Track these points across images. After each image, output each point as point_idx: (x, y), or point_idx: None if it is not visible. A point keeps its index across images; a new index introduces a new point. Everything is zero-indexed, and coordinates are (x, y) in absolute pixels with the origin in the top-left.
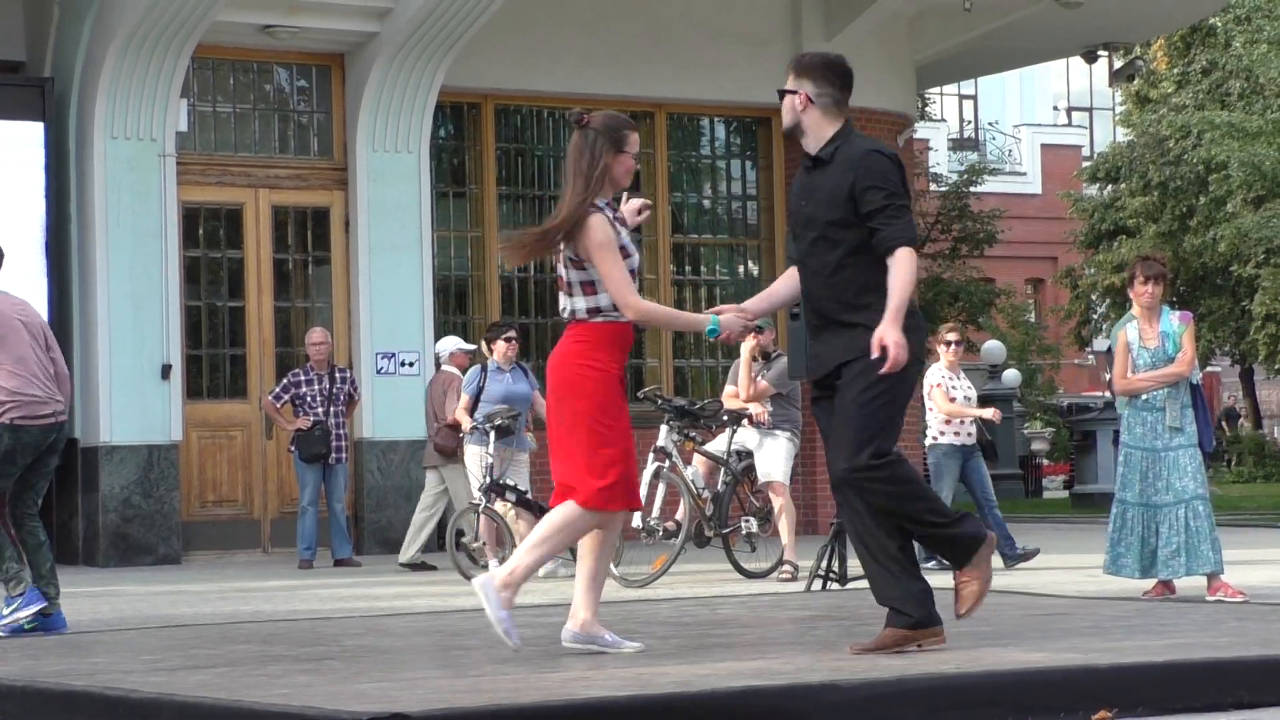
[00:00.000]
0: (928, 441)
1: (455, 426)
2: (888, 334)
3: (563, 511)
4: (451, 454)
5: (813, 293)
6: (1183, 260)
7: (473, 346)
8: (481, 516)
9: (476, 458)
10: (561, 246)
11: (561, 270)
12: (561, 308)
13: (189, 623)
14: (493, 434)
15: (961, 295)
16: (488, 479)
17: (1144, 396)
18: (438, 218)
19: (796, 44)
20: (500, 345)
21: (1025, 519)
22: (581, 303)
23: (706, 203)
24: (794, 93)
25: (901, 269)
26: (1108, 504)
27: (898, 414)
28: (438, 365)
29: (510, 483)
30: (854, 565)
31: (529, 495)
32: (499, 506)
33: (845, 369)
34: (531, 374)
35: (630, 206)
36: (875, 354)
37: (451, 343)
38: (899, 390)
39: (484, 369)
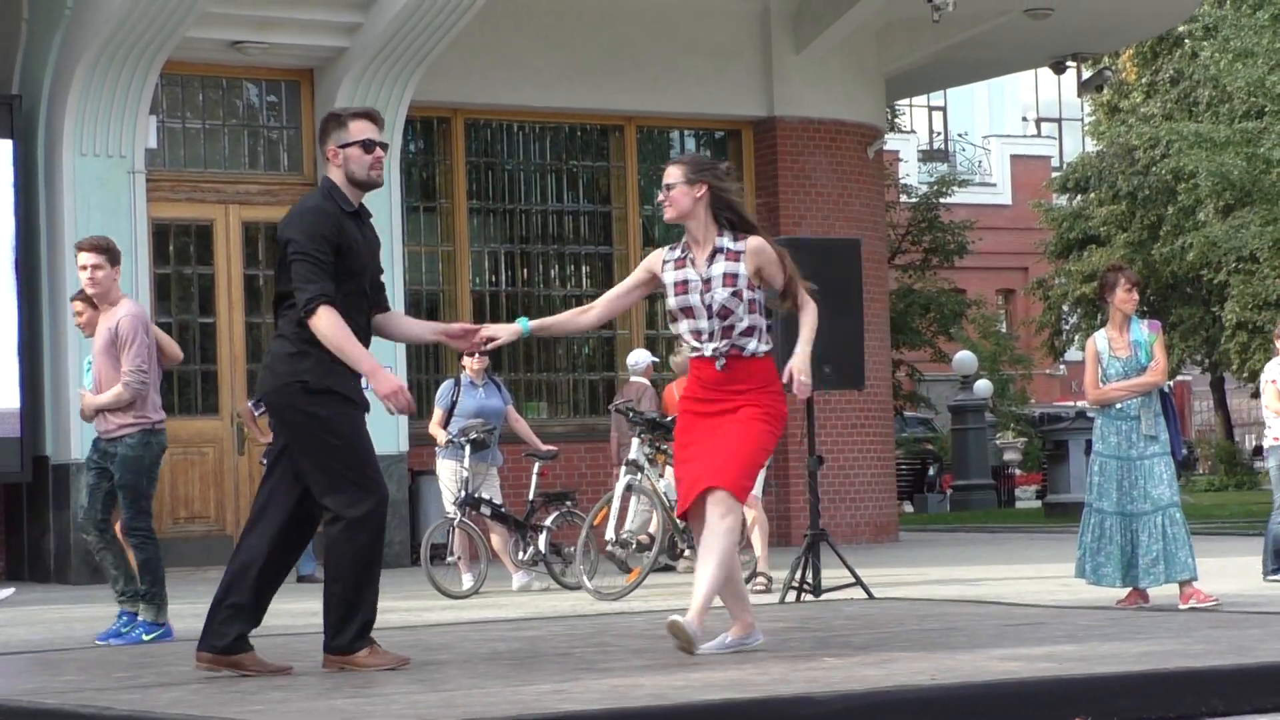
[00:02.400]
0: (1267, 444)
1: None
2: None
3: (723, 521)
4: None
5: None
6: (1153, 269)
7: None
8: (456, 530)
9: (451, 472)
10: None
11: (717, 296)
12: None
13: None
14: (467, 448)
15: (932, 306)
16: (463, 493)
17: (1118, 405)
18: (408, 232)
19: (766, 56)
20: (472, 360)
21: (998, 529)
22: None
23: None
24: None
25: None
26: (1080, 513)
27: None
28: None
29: (485, 496)
30: (828, 576)
31: (503, 508)
32: (482, 521)
33: None
34: (505, 388)
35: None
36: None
37: (644, 356)
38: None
39: (457, 383)
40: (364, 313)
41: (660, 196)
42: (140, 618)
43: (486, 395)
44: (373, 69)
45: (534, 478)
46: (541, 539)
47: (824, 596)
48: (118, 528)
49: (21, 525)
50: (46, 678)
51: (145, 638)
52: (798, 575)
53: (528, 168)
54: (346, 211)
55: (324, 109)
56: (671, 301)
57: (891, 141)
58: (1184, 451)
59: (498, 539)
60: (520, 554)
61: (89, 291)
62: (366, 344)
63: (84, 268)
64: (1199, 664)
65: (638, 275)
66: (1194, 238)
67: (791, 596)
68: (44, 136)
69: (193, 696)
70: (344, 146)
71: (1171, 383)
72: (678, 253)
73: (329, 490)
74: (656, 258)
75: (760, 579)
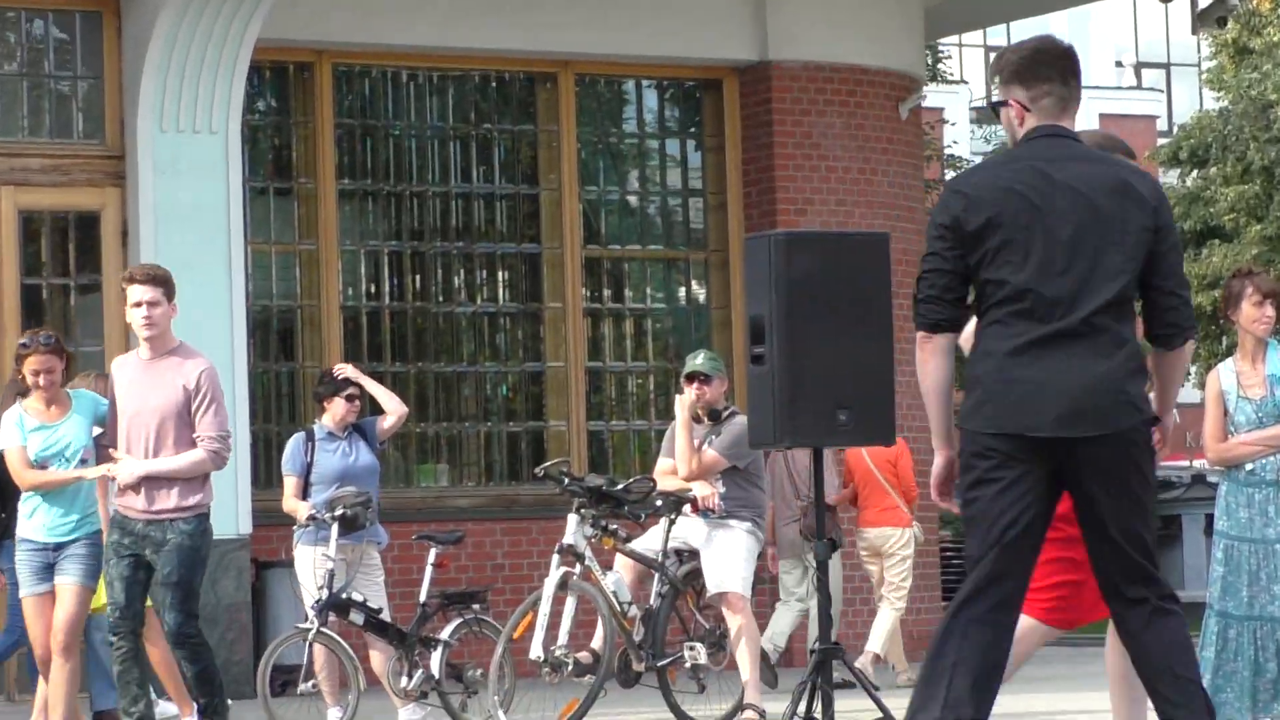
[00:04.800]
0: None
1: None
2: None
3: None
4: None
5: None
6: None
7: None
8: (314, 646)
9: (310, 562)
10: None
11: None
12: None
13: None
14: (335, 528)
15: None
16: (326, 592)
17: (1249, 466)
18: (253, 224)
19: None
20: (339, 405)
21: (1083, 640)
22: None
23: (632, 200)
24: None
25: None
26: (1198, 618)
27: None
28: None
29: (357, 597)
30: (842, 709)
31: (381, 614)
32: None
33: None
34: (371, 426)
35: None
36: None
37: None
38: None
39: (309, 437)
40: None
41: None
42: None
43: (351, 451)
44: None
45: (428, 570)
46: (435, 658)
47: None
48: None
49: None
50: None
51: None
52: (801, 708)
53: (421, 133)
54: None
55: (135, 51)
56: None
57: (934, 96)
58: None
59: (377, 657)
60: (406, 679)
61: (147, 334)
62: None
63: (137, 304)
64: None
65: None
66: None
67: None
68: None
69: None
70: None
71: None
72: None
73: None
74: None
75: (749, 713)
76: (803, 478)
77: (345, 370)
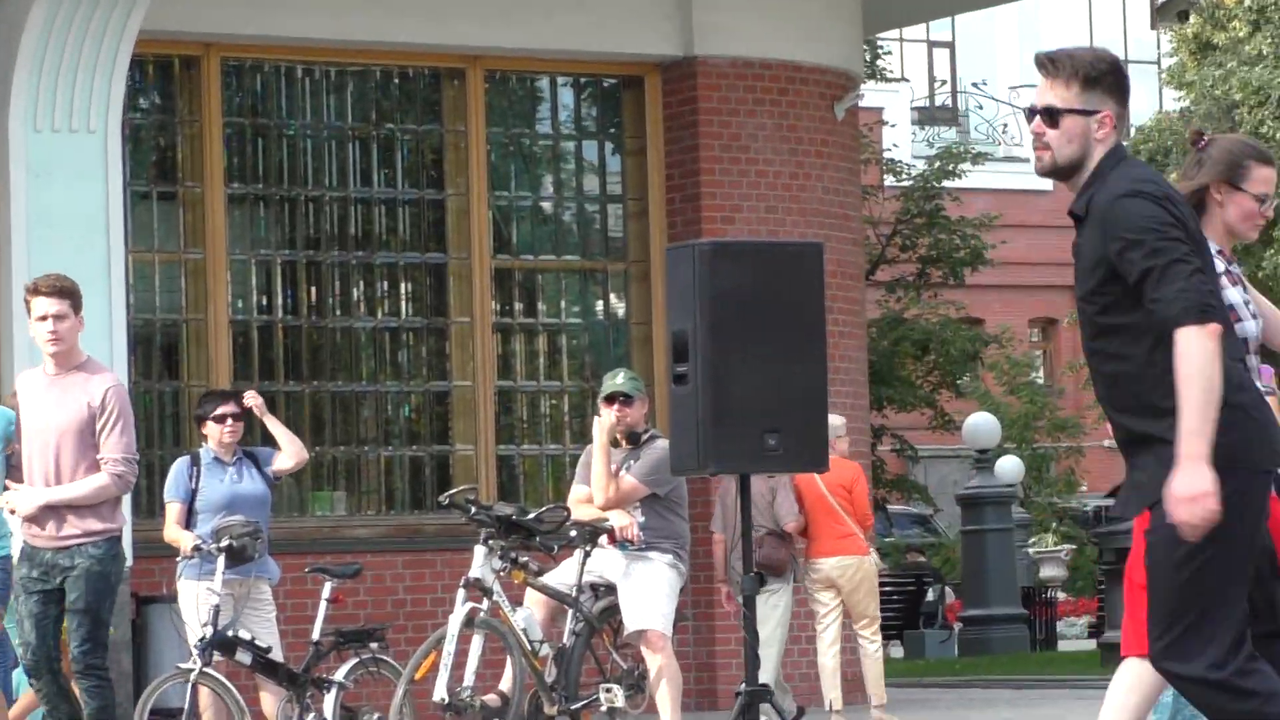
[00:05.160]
0: None
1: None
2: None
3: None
4: (780, 571)
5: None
6: (1264, 287)
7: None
8: (198, 688)
9: (194, 597)
10: None
11: None
12: None
13: None
14: (221, 560)
15: (934, 344)
16: (211, 629)
17: None
18: (135, 231)
19: None
20: (211, 428)
21: (1032, 682)
22: None
23: (546, 206)
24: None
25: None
26: None
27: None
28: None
29: (245, 635)
30: None
31: (270, 653)
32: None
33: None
34: (264, 453)
35: None
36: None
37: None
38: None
39: (194, 462)
40: None
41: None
42: None
43: (239, 477)
44: None
45: (322, 605)
46: (329, 700)
47: None
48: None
49: None
50: None
51: None
52: None
53: (317, 133)
54: None
55: (5, 43)
56: (1251, 327)
57: (872, 95)
58: None
59: (267, 699)
60: None
61: (53, 350)
62: None
63: (43, 318)
64: None
65: None
66: None
67: None
68: None
69: None
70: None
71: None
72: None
73: None
74: None
75: None
76: (758, 506)
77: (251, 400)
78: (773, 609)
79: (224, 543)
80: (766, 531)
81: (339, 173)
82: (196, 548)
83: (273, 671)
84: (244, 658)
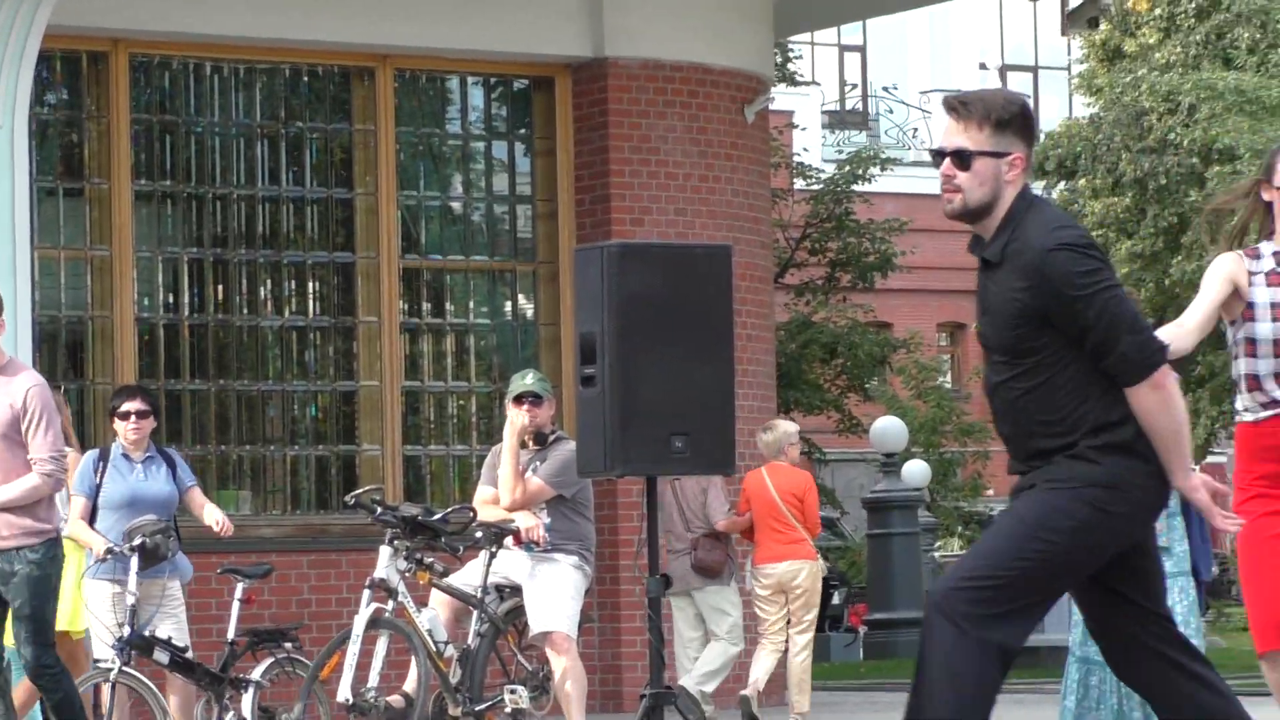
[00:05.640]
0: None
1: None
2: None
3: None
4: (716, 572)
5: None
6: (1168, 293)
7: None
8: (115, 687)
9: (107, 599)
10: None
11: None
12: None
13: None
14: (134, 559)
15: (841, 348)
16: (126, 629)
17: None
18: (41, 227)
19: None
20: (118, 425)
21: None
22: None
23: (455, 206)
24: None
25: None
26: (1059, 662)
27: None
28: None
29: (161, 635)
30: None
31: (189, 652)
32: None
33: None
34: (183, 463)
35: None
36: None
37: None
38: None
39: (103, 457)
40: None
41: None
42: None
43: (146, 475)
44: None
45: (235, 606)
46: (247, 700)
47: None
48: None
49: None
50: None
51: None
52: None
53: (226, 130)
54: None
55: None
56: (1266, 329)
57: (783, 99)
58: (1213, 570)
59: (174, 700)
60: None
61: None
62: None
63: None
64: None
65: (1218, 288)
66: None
67: None
68: None
69: None
70: None
71: (1196, 467)
72: (1269, 262)
73: None
74: (1237, 264)
75: None
76: (693, 508)
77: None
78: (722, 616)
79: (137, 541)
80: (704, 533)
81: (247, 171)
82: (109, 550)
83: (190, 671)
84: (161, 657)
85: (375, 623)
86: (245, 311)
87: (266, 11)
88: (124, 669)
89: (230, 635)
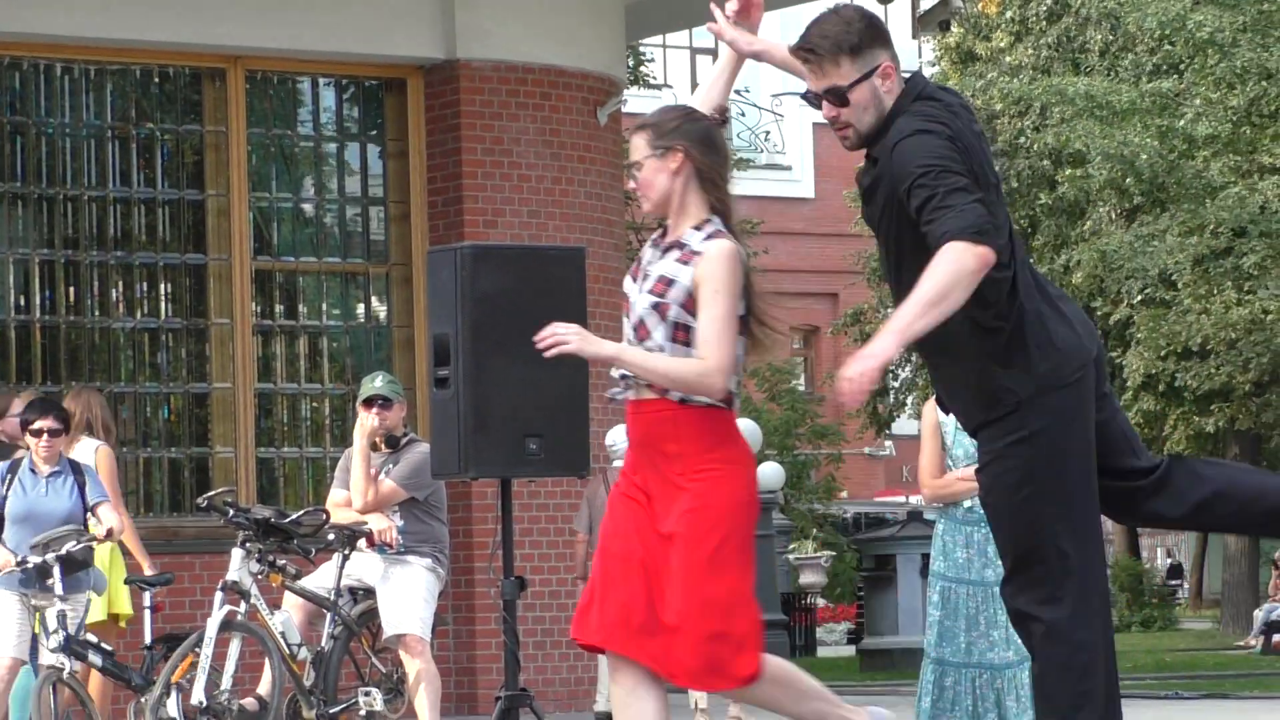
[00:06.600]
0: None
1: None
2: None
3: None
4: None
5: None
6: (1067, 284)
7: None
8: (58, 686)
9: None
10: None
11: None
12: None
13: None
14: (57, 571)
15: None
16: (62, 634)
17: (967, 503)
18: None
19: None
20: (29, 439)
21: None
22: None
23: (307, 208)
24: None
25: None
26: (914, 665)
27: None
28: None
29: (95, 639)
30: None
31: (113, 656)
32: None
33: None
34: (95, 479)
35: None
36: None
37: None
38: None
39: (12, 469)
40: None
41: (628, 184)
42: None
43: (49, 491)
44: None
45: (147, 613)
46: (172, 703)
47: None
48: None
49: None
50: None
51: None
52: None
53: (75, 132)
54: None
55: None
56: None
57: (635, 101)
58: None
59: (98, 700)
60: None
61: None
62: None
63: None
64: None
65: None
66: (1081, 252)
67: None
68: None
69: None
70: None
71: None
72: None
73: None
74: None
75: None
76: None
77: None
78: None
79: (63, 551)
80: None
81: (98, 172)
82: (22, 563)
83: (122, 673)
84: (95, 660)
85: (228, 625)
86: (97, 313)
87: (117, 11)
88: (72, 673)
89: (147, 640)
